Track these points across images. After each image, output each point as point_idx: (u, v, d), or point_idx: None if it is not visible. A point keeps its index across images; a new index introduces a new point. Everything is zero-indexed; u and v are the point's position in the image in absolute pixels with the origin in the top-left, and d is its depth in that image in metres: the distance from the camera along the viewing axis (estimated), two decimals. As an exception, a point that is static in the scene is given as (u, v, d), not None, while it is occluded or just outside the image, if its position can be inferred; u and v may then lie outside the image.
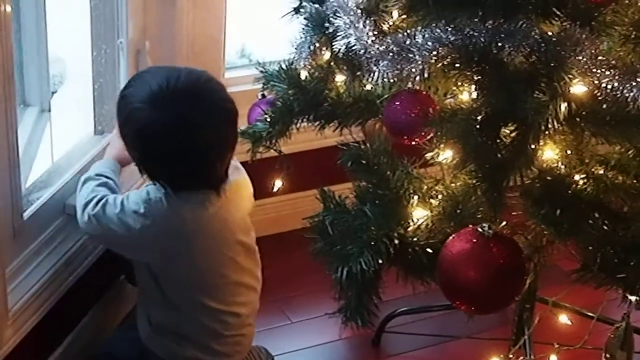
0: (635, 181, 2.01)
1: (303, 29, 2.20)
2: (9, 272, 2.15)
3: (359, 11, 2.03)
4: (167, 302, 2.24)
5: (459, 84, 2.02)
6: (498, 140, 1.88)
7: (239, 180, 2.26)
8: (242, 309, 2.29)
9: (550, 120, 1.80)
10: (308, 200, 2.45)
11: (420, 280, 2.17)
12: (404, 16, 2.06)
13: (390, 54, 1.88)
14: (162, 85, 2.06)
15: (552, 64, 1.81)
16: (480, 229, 1.84)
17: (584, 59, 1.79)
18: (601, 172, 2.01)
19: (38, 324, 2.27)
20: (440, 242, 1.97)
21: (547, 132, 1.84)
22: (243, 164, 2.31)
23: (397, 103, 2.10)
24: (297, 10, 2.26)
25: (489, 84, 1.90)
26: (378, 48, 1.91)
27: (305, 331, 2.81)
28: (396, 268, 2.17)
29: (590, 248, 1.94)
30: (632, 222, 1.94)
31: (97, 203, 2.19)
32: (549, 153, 1.97)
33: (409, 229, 2.15)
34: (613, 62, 1.81)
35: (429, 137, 2.08)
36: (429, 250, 2.10)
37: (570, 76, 1.80)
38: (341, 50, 2.03)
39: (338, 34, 2.03)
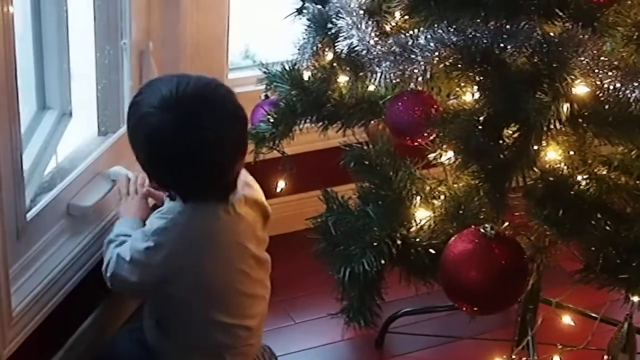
0: (637, 182, 2.01)
1: (306, 29, 2.21)
2: (12, 272, 2.15)
3: (362, 12, 2.03)
4: (177, 315, 2.25)
5: (462, 84, 2.02)
6: (500, 141, 1.88)
7: (249, 195, 2.26)
8: (252, 321, 2.30)
9: (552, 121, 1.80)
10: (311, 201, 2.45)
11: (423, 281, 2.17)
12: (406, 17, 2.06)
13: (393, 54, 1.88)
14: (172, 91, 2.07)
15: (554, 65, 1.80)
16: (482, 230, 1.84)
17: (586, 60, 1.79)
18: (604, 172, 2.01)
19: (41, 325, 2.27)
20: (443, 242, 1.96)
21: (549, 133, 1.84)
22: (246, 164, 2.31)
23: (400, 104, 2.09)
24: (299, 11, 2.27)
25: (491, 84, 1.89)
26: (380, 49, 1.92)
27: (309, 332, 2.81)
28: (399, 269, 2.17)
29: (593, 249, 1.94)
30: (634, 223, 1.94)
31: (108, 264, 2.24)
32: (552, 154, 1.97)
33: (412, 229, 2.15)
34: (615, 62, 1.81)
35: (431, 138, 2.08)
36: (431, 250, 2.10)
37: (573, 77, 1.80)
38: (344, 51, 2.03)
39: (340, 34, 2.03)
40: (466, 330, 2.54)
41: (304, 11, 2.25)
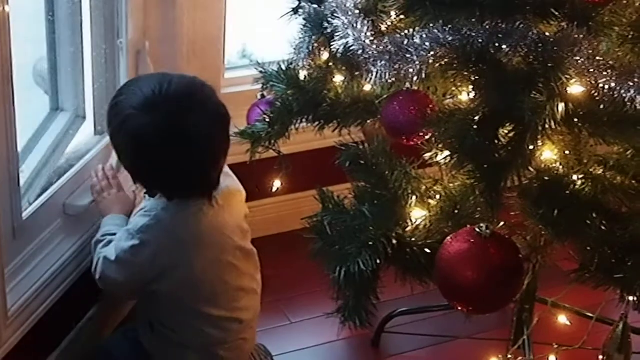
0: (633, 181, 2.00)
1: (302, 29, 2.21)
2: (8, 272, 2.15)
3: (357, 11, 2.03)
4: (168, 313, 2.25)
5: (457, 84, 2.02)
6: (496, 141, 1.88)
7: (230, 186, 2.27)
8: (244, 314, 2.30)
9: (547, 120, 1.81)
10: (307, 200, 2.45)
11: (419, 281, 2.16)
12: (402, 16, 2.06)
13: (388, 54, 1.88)
14: (155, 91, 2.08)
15: (550, 64, 1.81)
16: (478, 229, 1.84)
17: (582, 60, 1.79)
18: (600, 172, 2.01)
19: (37, 324, 2.27)
20: (439, 242, 1.96)
21: (544, 133, 1.84)
22: (242, 164, 2.31)
23: (396, 103, 2.10)
24: (295, 10, 2.27)
25: (487, 84, 1.89)
26: (376, 48, 1.92)
27: (305, 331, 2.81)
28: (395, 268, 2.17)
29: (589, 248, 1.94)
30: (630, 223, 1.94)
31: (96, 266, 2.24)
32: (547, 153, 1.97)
33: (407, 229, 2.15)
34: (610, 62, 1.81)
35: (427, 138, 2.08)
36: (427, 250, 2.10)
37: (568, 76, 1.80)
38: (340, 51, 2.03)
39: (336, 34, 2.03)
40: (462, 330, 2.54)
41: (300, 11, 2.25)
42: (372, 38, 1.95)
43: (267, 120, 2.30)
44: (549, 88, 1.81)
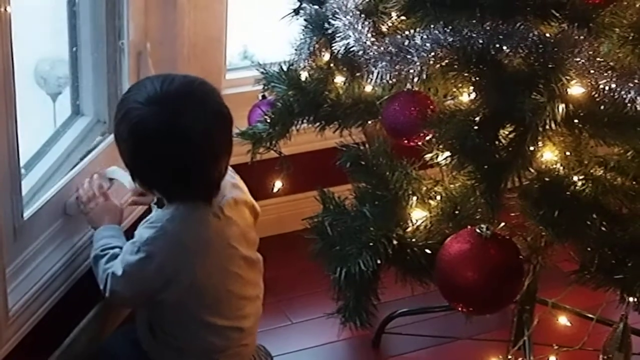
0: (634, 183, 2.01)
1: (303, 30, 2.21)
2: (9, 272, 2.16)
3: (358, 12, 2.03)
4: (170, 320, 2.25)
5: (458, 85, 2.02)
6: (496, 141, 1.88)
7: (237, 197, 2.26)
8: (245, 322, 2.30)
9: (548, 121, 1.81)
10: (308, 201, 2.45)
11: (419, 281, 2.16)
12: (403, 17, 2.06)
13: (389, 55, 1.88)
14: (157, 87, 2.10)
15: (550, 65, 1.81)
16: (478, 230, 1.84)
17: (582, 61, 1.80)
18: (600, 173, 2.01)
19: (38, 325, 2.27)
20: (439, 243, 1.97)
21: (545, 133, 1.85)
22: (243, 165, 2.31)
23: (396, 104, 2.10)
24: (296, 11, 2.27)
25: (487, 85, 1.90)
26: (377, 49, 1.92)
27: (306, 332, 2.81)
28: (395, 269, 2.17)
29: (589, 249, 1.94)
30: (630, 224, 1.95)
31: (105, 284, 2.23)
32: (548, 154, 1.97)
33: (408, 229, 2.15)
34: (611, 63, 1.81)
35: (427, 138, 2.09)
36: (427, 251, 2.10)
37: (568, 77, 1.80)
38: (340, 52, 2.03)
39: (337, 35, 2.03)
40: (462, 331, 2.54)
41: (301, 11, 2.25)
42: (373, 39, 1.95)
43: (268, 121, 2.30)
44: (550, 89, 1.82)
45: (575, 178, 1.98)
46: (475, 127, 1.88)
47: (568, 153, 1.98)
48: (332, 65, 2.22)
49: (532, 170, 1.92)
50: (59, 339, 2.45)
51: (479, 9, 1.89)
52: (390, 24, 2.08)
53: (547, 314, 2.38)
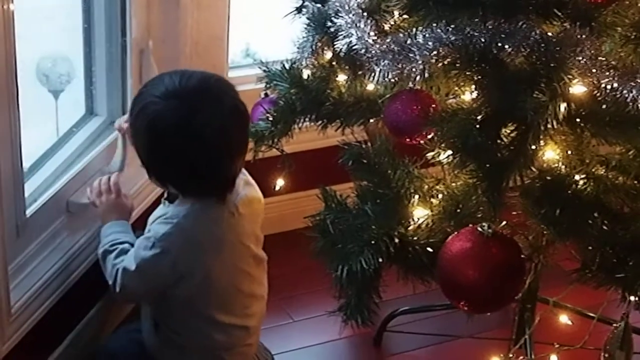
0: (635, 182, 2.01)
1: (305, 28, 2.21)
2: (11, 269, 2.16)
3: (361, 11, 2.03)
4: (177, 316, 2.25)
5: (460, 83, 2.02)
6: (498, 140, 1.88)
7: (249, 194, 2.26)
8: (250, 321, 2.31)
9: (550, 120, 1.81)
10: (310, 199, 2.46)
11: (421, 280, 2.16)
12: (405, 16, 2.07)
13: (391, 53, 1.89)
14: (175, 82, 2.11)
15: (552, 64, 1.81)
16: (480, 229, 1.84)
17: (584, 60, 1.80)
18: (601, 172, 2.01)
19: (40, 322, 2.27)
20: (441, 241, 1.97)
21: (547, 132, 1.85)
22: (245, 162, 2.31)
23: (398, 103, 2.10)
24: (299, 9, 2.27)
25: (489, 83, 1.90)
26: (379, 47, 1.92)
27: (308, 330, 2.81)
28: (397, 267, 2.17)
29: (590, 248, 1.95)
30: (631, 223, 1.95)
31: (115, 279, 2.23)
32: (550, 153, 1.98)
33: (410, 228, 2.15)
34: (613, 62, 1.82)
35: (429, 137, 2.09)
36: (429, 249, 2.10)
37: (570, 76, 1.80)
38: (343, 50, 2.04)
39: (340, 33, 2.04)
40: (464, 329, 2.55)
41: (304, 10, 2.25)
42: (375, 37, 1.96)
43: (270, 119, 2.31)
44: (551, 88, 1.82)
45: (576, 177, 1.98)
46: (477, 126, 1.88)
47: (570, 152, 1.98)
48: (334, 63, 2.22)
49: (534, 169, 1.93)
50: (61, 336, 2.45)
51: (481, 7, 1.89)
52: (392, 23, 2.09)
53: (548, 313, 2.38)
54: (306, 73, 2.29)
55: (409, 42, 1.88)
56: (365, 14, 2.02)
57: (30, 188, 2.29)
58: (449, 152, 1.94)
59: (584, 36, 1.82)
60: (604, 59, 1.82)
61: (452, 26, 1.88)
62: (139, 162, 2.21)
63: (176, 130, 2.07)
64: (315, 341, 2.77)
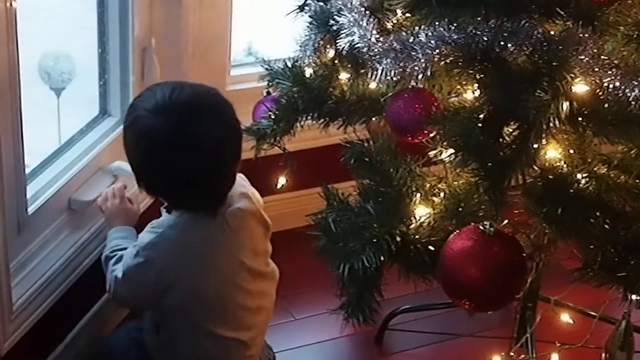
0: (637, 181, 2.01)
1: (307, 26, 2.21)
2: (13, 266, 2.16)
3: (363, 9, 2.03)
4: (173, 324, 2.23)
5: (462, 82, 2.03)
6: (500, 139, 1.88)
7: (244, 207, 2.23)
8: (248, 334, 2.27)
9: (552, 119, 1.81)
10: (311, 197, 2.46)
11: (422, 278, 2.16)
12: (408, 14, 2.07)
13: (394, 52, 1.88)
14: (166, 95, 2.09)
15: (555, 63, 1.81)
16: (482, 227, 1.84)
17: (586, 59, 1.80)
18: (603, 171, 2.01)
19: (41, 319, 2.28)
20: (442, 239, 1.97)
21: (549, 131, 1.85)
22: (247, 161, 2.32)
23: (401, 101, 2.10)
24: (301, 8, 2.27)
25: (491, 82, 1.90)
26: (381, 46, 1.92)
27: (309, 328, 2.82)
28: (398, 266, 2.17)
29: (592, 247, 1.94)
30: (633, 222, 1.95)
31: (110, 284, 2.24)
32: (552, 152, 1.97)
33: (411, 226, 2.15)
34: (615, 61, 1.82)
35: (431, 136, 2.09)
36: (430, 248, 2.10)
37: (572, 75, 1.80)
38: (345, 48, 2.04)
39: (342, 31, 2.03)
40: (465, 328, 2.55)
41: (306, 8, 2.25)
42: (377, 36, 1.95)
43: (273, 117, 2.31)
44: (554, 87, 1.82)
45: (578, 176, 1.98)
46: (479, 125, 1.88)
47: (572, 151, 1.98)
48: (336, 62, 2.22)
49: (536, 168, 1.93)
50: (62, 334, 2.46)
51: (483, 6, 1.89)
52: (395, 21, 2.08)
53: (549, 312, 2.39)
54: (308, 71, 2.29)
55: (411, 40, 1.88)
56: (367, 12, 2.02)
57: (35, 186, 2.30)
58: (451, 150, 1.94)
59: (586, 35, 1.82)
60: (606, 58, 1.81)
61: (455, 25, 1.88)
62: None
63: (165, 144, 2.06)
64: (316, 339, 2.78)
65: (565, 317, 2.47)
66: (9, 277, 2.12)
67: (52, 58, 2.69)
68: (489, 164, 1.87)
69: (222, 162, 2.13)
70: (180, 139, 2.06)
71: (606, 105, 1.85)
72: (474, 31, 1.86)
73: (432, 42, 1.86)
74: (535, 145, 1.86)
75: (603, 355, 2.15)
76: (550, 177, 1.98)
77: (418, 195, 2.20)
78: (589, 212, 1.95)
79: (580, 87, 1.84)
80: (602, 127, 1.90)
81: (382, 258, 2.10)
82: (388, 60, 1.89)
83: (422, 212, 2.18)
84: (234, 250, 2.21)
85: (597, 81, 1.80)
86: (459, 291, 1.88)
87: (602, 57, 1.81)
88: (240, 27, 2.93)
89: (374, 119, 2.31)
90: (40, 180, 2.34)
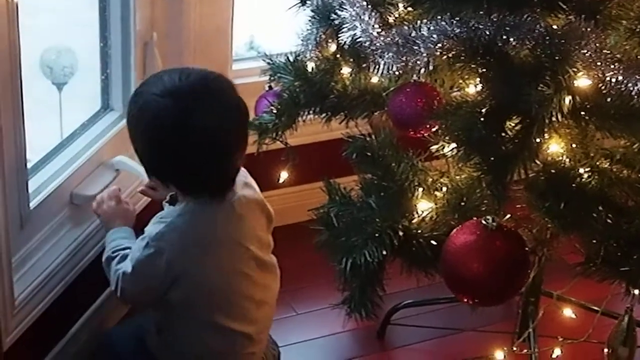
0: (639, 175, 2.01)
1: (309, 21, 2.21)
2: (15, 261, 2.16)
3: (365, 3, 2.02)
4: (177, 320, 2.22)
5: (464, 76, 2.02)
6: (502, 133, 1.88)
7: (249, 195, 2.23)
8: (253, 327, 2.26)
9: (554, 113, 1.81)
10: (314, 192, 2.46)
11: (425, 273, 2.16)
12: (410, 8, 2.06)
13: (396, 46, 1.88)
14: (175, 79, 2.08)
15: (557, 57, 1.80)
16: (484, 222, 1.84)
17: (589, 53, 1.79)
18: (606, 166, 2.01)
19: (43, 314, 2.28)
20: (445, 234, 1.97)
21: (551, 126, 1.85)
22: (249, 155, 2.31)
23: (403, 95, 2.10)
24: (303, 2, 2.27)
25: (494, 76, 1.90)
26: (383, 40, 1.92)
27: (311, 323, 2.82)
28: (400, 260, 2.17)
29: (594, 241, 1.94)
30: (636, 216, 1.95)
31: (116, 284, 2.22)
32: (554, 146, 1.97)
33: (414, 221, 2.15)
34: (618, 55, 1.81)
35: (434, 130, 2.09)
36: (433, 242, 2.09)
37: (575, 69, 1.80)
38: (347, 42, 2.03)
39: (344, 26, 2.03)
40: (467, 323, 2.55)
41: (308, 2, 2.25)
42: (379, 30, 1.95)
43: (274, 111, 2.31)
44: (556, 81, 1.82)
45: (581, 170, 1.98)
46: (482, 119, 1.88)
47: (574, 145, 1.98)
48: (338, 56, 2.22)
49: (538, 163, 1.92)
50: (64, 329, 2.46)
51: (485, 0, 1.89)
52: (397, 15, 2.08)
53: (552, 306, 2.38)
54: (310, 66, 2.29)
55: (413, 34, 1.88)
56: (369, 6, 2.01)
57: (36, 180, 2.30)
58: (453, 145, 1.94)
59: (589, 29, 1.82)
60: (608, 52, 1.81)
61: (457, 19, 1.87)
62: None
63: (175, 128, 2.05)
64: (318, 334, 2.78)
65: (567, 312, 2.47)
66: (11, 271, 2.12)
67: (54, 52, 2.69)
68: (492, 159, 1.87)
69: (229, 145, 2.12)
70: (188, 122, 2.05)
71: (609, 99, 1.84)
72: (476, 25, 1.85)
73: (434, 36, 1.86)
74: (538, 140, 1.86)
75: (605, 350, 2.15)
76: (553, 171, 1.97)
77: (420, 189, 2.20)
78: (592, 206, 1.94)
79: (582, 81, 1.83)
80: (604, 121, 1.90)
81: (384, 252, 2.09)
82: (390, 54, 1.88)
83: (424, 206, 2.17)
84: (240, 238, 2.20)
85: (600, 75, 1.80)
86: (461, 286, 1.89)
87: (605, 51, 1.81)
88: (242, 22, 2.93)
89: (376, 113, 2.31)
90: (42, 175, 2.34)
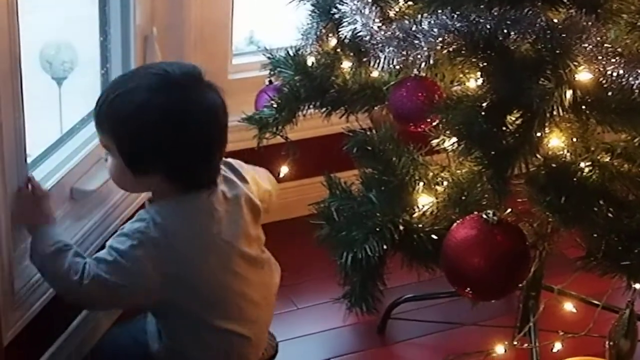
0: (640, 169, 2.01)
1: (309, 15, 2.21)
2: (15, 255, 2.16)
3: (365, -3, 2.03)
4: (174, 329, 2.21)
5: (465, 70, 2.02)
6: (503, 127, 1.88)
7: (239, 193, 2.20)
8: (251, 329, 2.23)
9: (555, 107, 1.81)
10: (314, 186, 2.46)
11: (425, 267, 2.16)
12: (410, 2, 2.07)
13: (396, 40, 1.88)
14: (161, 74, 2.08)
15: (558, 51, 1.80)
16: (485, 216, 1.84)
17: (590, 47, 1.79)
18: (607, 160, 2.01)
19: (44, 309, 2.27)
20: (445, 228, 1.97)
21: (552, 120, 1.85)
22: (249, 149, 2.31)
23: (403, 90, 2.10)
24: (304, -4, 2.27)
25: (495, 71, 1.90)
26: (384, 34, 1.92)
27: (311, 317, 2.82)
28: (401, 254, 2.17)
29: (595, 236, 1.94)
30: (637, 210, 1.95)
31: (82, 271, 2.09)
32: (555, 140, 1.97)
33: (414, 215, 2.15)
34: (619, 49, 1.81)
35: (434, 124, 2.08)
36: (434, 236, 2.10)
37: (576, 63, 1.80)
38: (347, 37, 2.03)
39: (344, 20, 2.03)
40: (468, 317, 2.55)
41: (308, -4, 2.25)
42: (380, 24, 1.95)
43: (275, 106, 2.31)
44: (557, 75, 1.82)
45: (582, 164, 1.98)
46: (483, 113, 1.88)
47: (575, 139, 1.98)
48: (339, 50, 2.22)
49: (539, 157, 1.93)
50: (65, 324, 2.46)
51: (486, -6, 1.89)
52: (397, 9, 2.08)
53: (552, 301, 2.38)
54: (310, 60, 2.29)
55: (414, 28, 1.88)
56: (370, 0, 2.01)
57: (36, 175, 2.29)
58: (454, 139, 1.94)
59: (589, 23, 1.82)
60: (609, 46, 1.81)
61: (458, 13, 1.87)
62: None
63: (159, 121, 2.04)
64: (319, 328, 2.78)
65: (568, 306, 2.47)
66: (11, 266, 2.12)
67: (53, 47, 2.68)
68: (492, 153, 1.87)
69: (219, 133, 2.12)
70: (172, 116, 2.04)
71: (609, 93, 1.85)
72: (476, 19, 1.85)
73: (435, 30, 1.86)
74: (539, 134, 1.86)
75: (606, 344, 2.15)
76: (554, 165, 1.97)
77: (421, 184, 2.20)
78: (592, 200, 1.94)
79: (583, 75, 1.83)
80: (605, 115, 1.90)
81: (385, 247, 2.10)
82: (390, 48, 1.88)
83: (425, 200, 2.17)
84: (223, 234, 2.15)
85: (601, 69, 1.80)
86: (462, 280, 1.89)
87: (606, 45, 1.81)
88: (242, 16, 2.93)
89: (376, 107, 2.32)
90: (42, 170, 2.34)
